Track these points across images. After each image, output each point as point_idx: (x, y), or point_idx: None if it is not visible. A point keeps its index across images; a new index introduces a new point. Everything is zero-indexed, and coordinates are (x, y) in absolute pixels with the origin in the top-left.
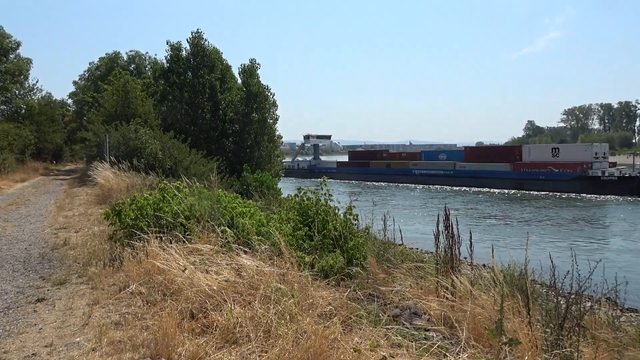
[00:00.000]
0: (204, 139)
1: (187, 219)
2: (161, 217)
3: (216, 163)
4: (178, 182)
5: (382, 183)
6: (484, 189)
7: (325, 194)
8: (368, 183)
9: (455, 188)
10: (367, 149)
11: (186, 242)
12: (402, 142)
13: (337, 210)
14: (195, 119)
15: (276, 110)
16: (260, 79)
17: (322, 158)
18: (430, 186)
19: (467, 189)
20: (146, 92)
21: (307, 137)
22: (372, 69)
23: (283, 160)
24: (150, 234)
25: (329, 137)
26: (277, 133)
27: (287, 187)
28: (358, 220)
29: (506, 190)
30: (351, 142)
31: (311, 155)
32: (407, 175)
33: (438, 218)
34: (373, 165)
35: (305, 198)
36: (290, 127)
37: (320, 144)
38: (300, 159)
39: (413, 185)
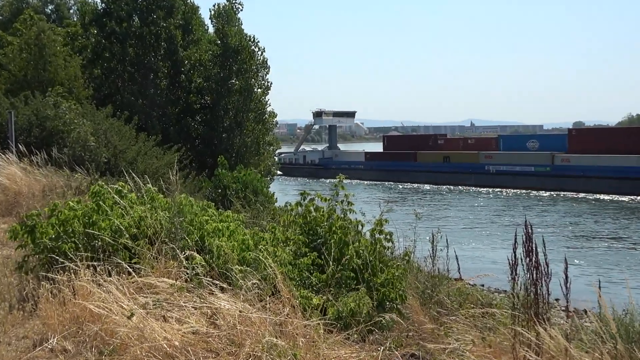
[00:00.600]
0: (158, 118)
1: (135, 239)
2: (95, 237)
3: (177, 155)
4: (120, 183)
5: (434, 186)
6: (604, 196)
7: (343, 201)
8: (412, 185)
9: (554, 194)
10: (407, 133)
11: (133, 273)
12: (457, 123)
13: (361, 227)
14: (144, 87)
15: (267, 74)
16: (242, 27)
17: (341, 147)
18: (514, 191)
19: (574, 194)
20: (71, 47)
21: (318, 115)
22: (412, 23)
23: (279, 151)
24: (79, 262)
25: (352, 114)
26: (268, 109)
27: (285, 192)
28: (393, 242)
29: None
30: (380, 122)
31: (324, 142)
32: (476, 173)
33: (515, 239)
34: (422, 158)
35: (312, 208)
36: (289, 103)
37: (338, 125)
38: (307, 148)
39: (485, 189)
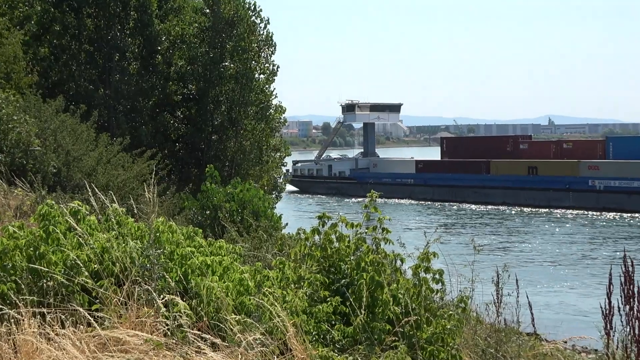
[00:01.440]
0: (125, 114)
1: (96, 278)
2: (44, 274)
3: (151, 163)
4: (76, 202)
5: (515, 208)
6: None
7: (376, 228)
8: (484, 208)
9: None
10: (462, 134)
11: (95, 324)
12: (530, 121)
13: (400, 263)
14: (107, 72)
15: (273, 54)
16: None
17: (379, 152)
18: (629, 215)
19: None
20: (9, 17)
21: (349, 109)
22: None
23: (292, 159)
24: (22, 308)
25: (396, 107)
26: (274, 102)
27: (300, 214)
28: (444, 284)
29: None
30: (422, 119)
31: (355, 145)
32: (575, 190)
33: (610, 280)
34: (497, 168)
35: (334, 236)
36: (302, 95)
37: (378, 122)
38: (333, 155)
39: (586, 212)
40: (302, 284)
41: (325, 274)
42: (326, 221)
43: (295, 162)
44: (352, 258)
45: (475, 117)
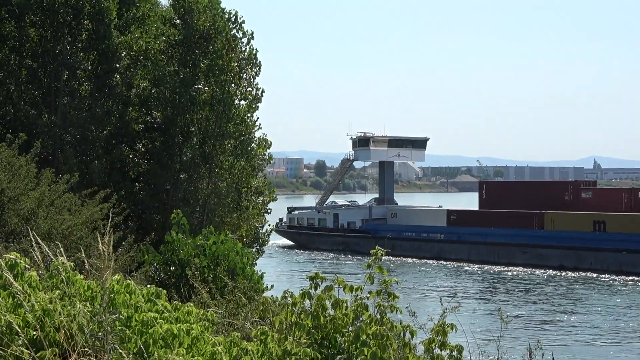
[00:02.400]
0: (74, 146)
1: (35, 347)
2: None
3: (106, 208)
4: (12, 253)
5: (576, 274)
6: None
7: (381, 292)
8: (537, 272)
9: None
10: (487, 177)
11: None
12: (572, 163)
13: (409, 337)
14: (53, 94)
15: (257, 75)
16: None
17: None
18: None
19: None
20: None
21: (362, 143)
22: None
23: (276, 205)
24: None
25: (421, 143)
26: (257, 134)
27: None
28: None
29: None
30: (438, 158)
31: (366, 190)
32: None
33: None
34: (551, 222)
35: (328, 302)
36: (290, 129)
37: (397, 161)
38: (339, 201)
39: None
40: (288, 359)
41: (317, 348)
42: (319, 283)
43: (290, 210)
44: (350, 329)
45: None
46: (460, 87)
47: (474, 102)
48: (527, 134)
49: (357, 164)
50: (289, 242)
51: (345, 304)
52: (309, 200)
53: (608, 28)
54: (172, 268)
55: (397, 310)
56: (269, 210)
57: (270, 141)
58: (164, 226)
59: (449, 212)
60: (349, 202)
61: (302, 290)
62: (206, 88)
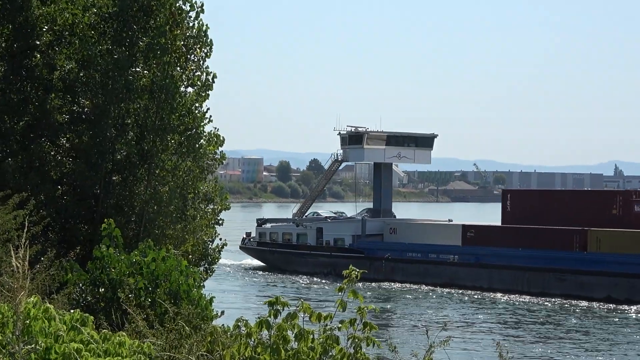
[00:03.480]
0: None
1: None
2: None
3: (22, 215)
4: None
5: (628, 307)
6: None
7: (355, 322)
8: (572, 303)
9: None
10: (486, 183)
11: None
12: (589, 169)
13: None
14: None
15: (208, 58)
16: None
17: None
18: None
19: None
20: None
21: (352, 140)
22: None
23: (256, 218)
24: None
25: (428, 141)
26: (208, 128)
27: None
28: None
29: None
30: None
31: (361, 197)
32: None
33: None
34: (597, 242)
35: (290, 332)
36: (251, 125)
37: (396, 162)
38: (323, 212)
39: None
40: None
41: None
42: (280, 309)
43: (261, 222)
44: None
45: (502, 160)
46: (455, 80)
47: (471, 96)
48: (533, 134)
49: (345, 164)
50: (258, 263)
51: (311, 336)
52: (270, 209)
53: (627, 18)
54: (102, 290)
55: (374, 344)
56: (220, 221)
57: (223, 137)
58: (92, 239)
59: (465, 228)
60: (335, 213)
61: (259, 318)
62: (145, 72)
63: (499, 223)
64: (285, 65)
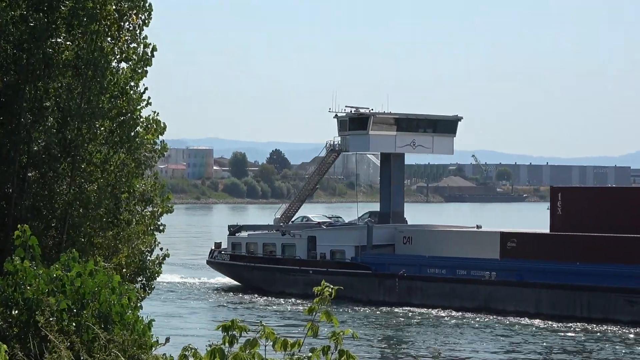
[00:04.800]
0: None
1: None
2: None
3: None
4: None
5: None
6: None
7: (327, 350)
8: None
9: None
10: (488, 179)
11: None
12: (611, 160)
13: None
14: None
15: (145, 26)
16: None
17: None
18: None
19: None
20: None
21: (354, 124)
22: None
23: (232, 224)
24: None
25: (450, 125)
26: (145, 113)
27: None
28: None
29: None
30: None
31: (360, 195)
32: None
33: None
34: None
35: (248, 359)
36: (199, 110)
37: (411, 152)
38: (314, 217)
39: None
40: None
41: None
42: (237, 335)
43: (234, 230)
44: None
45: (507, 150)
46: (453, 56)
47: (469, 74)
48: (544, 120)
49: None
50: (230, 282)
51: None
52: (222, 212)
53: None
54: (15, 312)
55: None
56: (161, 227)
57: (164, 124)
58: (2, 249)
59: (505, 237)
60: (330, 217)
61: (210, 346)
62: (68, 43)
63: (547, 230)
64: (245, 31)
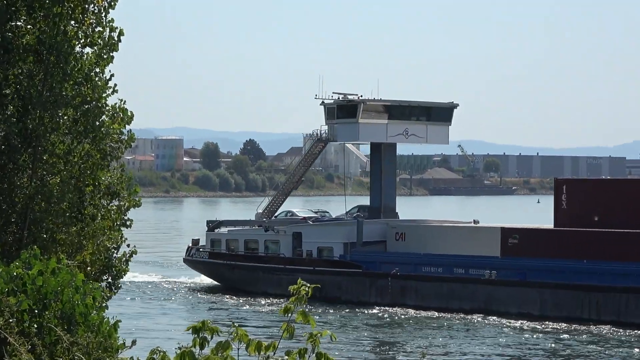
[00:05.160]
0: None
1: None
2: None
3: None
4: None
5: None
6: None
7: (304, 353)
8: None
9: None
10: (475, 171)
11: None
12: (605, 151)
13: None
14: None
15: (111, 8)
16: None
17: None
18: None
19: None
20: None
21: (342, 111)
22: None
23: (209, 220)
24: None
25: (445, 112)
26: (110, 101)
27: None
28: None
29: None
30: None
31: (348, 188)
32: None
33: None
34: None
35: None
36: (168, 98)
37: (403, 142)
38: (299, 211)
39: None
40: None
41: None
42: (208, 338)
43: (213, 225)
44: None
45: (495, 141)
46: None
47: (454, 58)
48: (534, 109)
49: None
50: (209, 282)
51: None
52: (193, 206)
53: None
54: None
55: None
56: (128, 222)
57: (131, 112)
58: None
59: (506, 232)
60: (316, 212)
61: (180, 348)
62: (29, 27)
63: (551, 225)
64: (218, 13)
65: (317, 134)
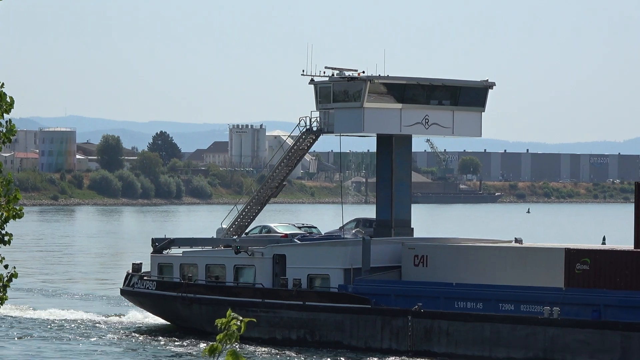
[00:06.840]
0: None
1: None
2: None
3: None
4: None
5: None
6: None
7: None
8: None
9: None
10: (447, 175)
11: None
12: (610, 147)
13: None
14: None
15: None
16: None
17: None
18: None
19: None
20: None
21: (339, 91)
22: None
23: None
24: None
25: (480, 94)
26: None
27: None
28: None
29: None
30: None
31: (351, 192)
32: None
33: None
34: None
35: None
36: (58, 80)
37: (424, 135)
38: (278, 226)
39: None
40: None
41: None
42: None
43: (160, 245)
44: None
45: (494, 134)
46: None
47: (430, 32)
48: (523, 95)
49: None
50: (156, 320)
51: None
52: (89, 216)
53: None
54: None
55: None
56: (6, 238)
57: (11, 98)
58: None
59: (572, 255)
60: (301, 227)
61: None
62: None
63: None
64: None
65: (305, 123)
